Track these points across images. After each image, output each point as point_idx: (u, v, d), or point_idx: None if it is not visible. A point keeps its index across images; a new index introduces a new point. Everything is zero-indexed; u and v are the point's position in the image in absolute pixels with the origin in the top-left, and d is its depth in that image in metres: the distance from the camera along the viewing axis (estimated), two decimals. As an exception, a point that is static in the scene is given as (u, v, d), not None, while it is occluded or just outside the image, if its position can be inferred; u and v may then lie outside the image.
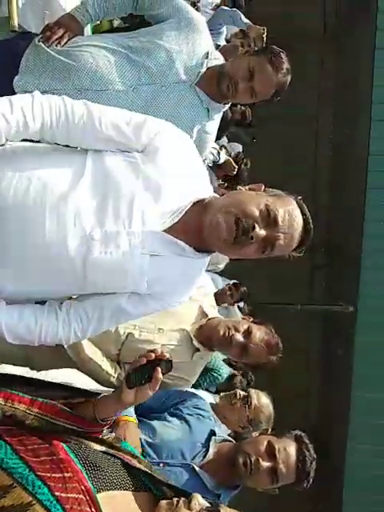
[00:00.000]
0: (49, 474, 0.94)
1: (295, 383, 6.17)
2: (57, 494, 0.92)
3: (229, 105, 1.93)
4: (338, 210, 6.63)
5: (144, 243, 1.11)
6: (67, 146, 1.16)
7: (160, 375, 1.09)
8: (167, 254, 1.14)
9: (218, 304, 3.87)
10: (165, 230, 1.13)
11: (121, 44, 1.70)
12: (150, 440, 1.61)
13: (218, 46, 2.88)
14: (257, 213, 1.11)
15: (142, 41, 1.71)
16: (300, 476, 1.58)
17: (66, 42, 1.69)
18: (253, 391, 2.06)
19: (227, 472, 1.63)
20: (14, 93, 1.67)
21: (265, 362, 1.74)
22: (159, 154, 1.12)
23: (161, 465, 1.57)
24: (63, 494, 0.93)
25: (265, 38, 2.77)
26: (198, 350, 1.74)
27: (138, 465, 1.08)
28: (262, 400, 2.04)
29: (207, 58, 1.75)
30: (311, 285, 6.88)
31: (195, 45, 1.72)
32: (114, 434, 1.19)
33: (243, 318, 1.82)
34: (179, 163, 1.14)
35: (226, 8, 3.73)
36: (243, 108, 4.69)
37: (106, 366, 1.58)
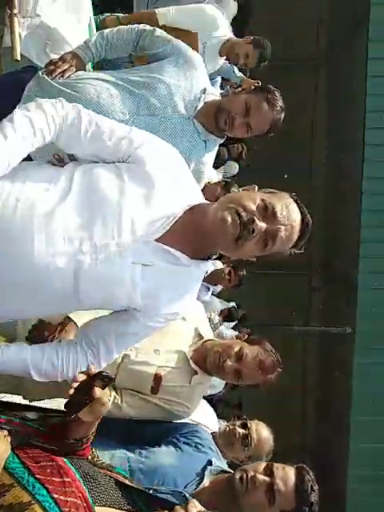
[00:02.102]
0: (48, 478, 0.97)
1: (292, 405, 6.11)
2: (55, 496, 0.94)
3: (224, 138, 2.00)
4: (334, 231, 6.69)
5: (135, 253, 1.10)
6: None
7: (97, 393, 1.07)
8: (160, 263, 1.13)
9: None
10: (157, 239, 1.12)
11: (122, 78, 1.79)
12: (141, 464, 1.55)
13: None
14: (254, 207, 1.12)
15: (142, 76, 1.80)
16: (300, 499, 1.50)
17: (69, 76, 1.77)
18: (253, 428, 1.97)
19: (221, 501, 1.53)
20: None
21: (263, 382, 1.72)
22: (146, 163, 1.13)
23: (150, 491, 1.51)
24: (62, 497, 0.95)
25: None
26: (195, 372, 1.73)
27: (131, 484, 1.08)
28: (263, 435, 1.97)
29: (204, 93, 1.85)
30: (309, 306, 6.89)
31: (193, 81, 1.82)
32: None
33: (237, 338, 1.80)
34: (166, 172, 1.15)
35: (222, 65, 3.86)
36: (240, 148, 4.85)
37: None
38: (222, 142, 1.98)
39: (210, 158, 1.95)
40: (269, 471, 1.51)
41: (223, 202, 1.15)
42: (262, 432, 1.98)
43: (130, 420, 1.66)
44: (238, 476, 1.53)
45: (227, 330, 4.23)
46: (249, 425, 1.98)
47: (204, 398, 2.30)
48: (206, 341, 1.79)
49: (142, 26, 1.87)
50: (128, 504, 1.05)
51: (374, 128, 5.53)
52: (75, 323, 1.48)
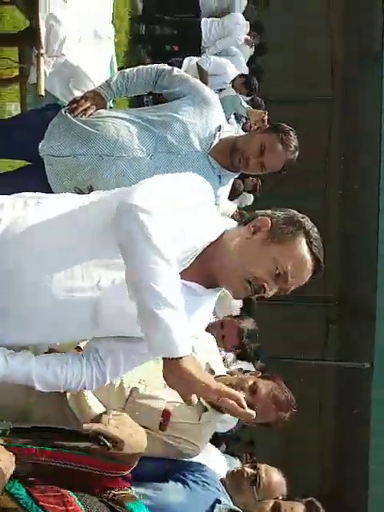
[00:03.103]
0: (52, 506, 0.97)
1: (309, 444, 5.89)
2: None
3: (239, 173, 2.04)
4: (350, 264, 6.61)
5: None
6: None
7: None
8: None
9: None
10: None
11: (141, 117, 1.87)
12: (149, 500, 1.50)
13: None
14: (266, 275, 1.14)
15: (160, 115, 1.88)
16: None
17: (91, 114, 1.85)
18: (263, 469, 1.87)
19: None
20: (39, 157, 1.81)
21: (275, 420, 1.65)
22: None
23: None
24: None
25: (266, 121, 2.87)
26: (205, 409, 1.68)
27: None
28: (274, 478, 1.86)
29: (220, 130, 1.90)
30: (325, 340, 6.73)
31: (209, 119, 1.88)
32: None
33: (251, 374, 1.75)
34: (198, 205, 1.17)
35: (227, 95, 3.92)
36: (255, 180, 4.93)
37: (109, 423, 1.53)
38: (236, 176, 2.03)
39: (224, 191, 2.00)
40: (276, 511, 1.44)
41: (236, 265, 1.15)
42: (272, 475, 1.88)
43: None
44: None
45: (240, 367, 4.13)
46: (258, 466, 1.90)
47: (216, 433, 2.23)
48: (217, 376, 1.73)
49: (161, 66, 1.95)
50: None
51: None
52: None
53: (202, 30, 5.08)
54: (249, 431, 4.63)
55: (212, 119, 1.88)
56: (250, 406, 1.61)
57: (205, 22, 5.11)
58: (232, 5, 5.26)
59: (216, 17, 5.28)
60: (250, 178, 4.88)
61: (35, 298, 1.10)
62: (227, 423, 3.04)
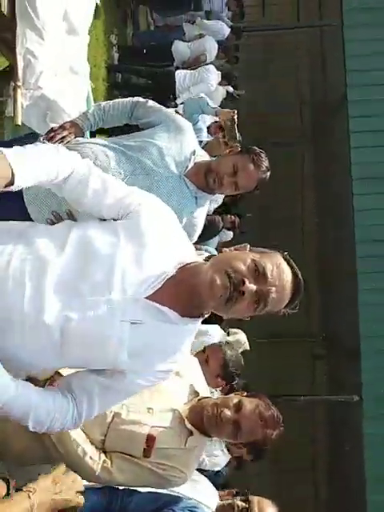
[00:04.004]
0: None
1: (301, 483, 5.67)
2: None
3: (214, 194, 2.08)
4: (331, 297, 6.66)
5: (124, 311, 1.09)
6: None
7: None
8: (149, 321, 1.11)
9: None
10: (148, 297, 1.11)
11: (117, 143, 1.94)
12: None
13: (201, 143, 3.14)
14: (244, 268, 1.12)
15: (136, 141, 1.96)
16: None
17: (68, 142, 1.91)
18: (255, 503, 1.81)
19: None
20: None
21: (263, 438, 1.61)
22: (141, 221, 1.15)
23: None
24: None
25: (235, 120, 2.99)
26: (191, 433, 1.63)
27: None
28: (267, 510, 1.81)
29: (194, 154, 1.98)
30: (313, 375, 6.66)
31: (183, 144, 1.96)
32: None
33: (235, 393, 1.72)
34: (160, 230, 1.17)
35: (192, 97, 4.06)
36: (233, 217, 5.05)
37: (90, 450, 1.46)
38: (212, 197, 2.09)
39: (201, 212, 2.05)
40: None
41: (213, 263, 1.15)
42: (265, 509, 1.82)
43: (124, 490, 1.54)
44: None
45: None
46: (250, 498, 1.83)
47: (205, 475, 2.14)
48: (201, 398, 1.70)
49: (135, 98, 2.05)
50: None
51: (361, 194, 5.74)
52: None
53: (176, 79, 5.33)
54: (241, 477, 4.45)
55: (186, 144, 1.96)
56: (236, 424, 1.59)
57: (178, 73, 5.37)
58: (206, 53, 5.55)
59: (188, 67, 5.56)
60: (229, 216, 4.98)
61: (6, 318, 1.06)
62: (217, 461, 2.93)
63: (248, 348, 3.89)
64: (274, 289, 1.12)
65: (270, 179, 2.00)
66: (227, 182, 1.91)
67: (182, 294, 1.13)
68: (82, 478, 1.51)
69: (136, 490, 1.54)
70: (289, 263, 1.17)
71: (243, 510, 1.80)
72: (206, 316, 1.22)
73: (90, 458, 1.46)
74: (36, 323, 1.07)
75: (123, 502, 1.61)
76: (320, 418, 6.55)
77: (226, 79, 5.70)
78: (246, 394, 1.70)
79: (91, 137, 2.19)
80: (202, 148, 3.30)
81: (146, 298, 1.11)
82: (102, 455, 1.49)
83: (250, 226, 6.23)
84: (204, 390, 1.76)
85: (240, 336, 3.86)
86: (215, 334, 3.48)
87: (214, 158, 2.08)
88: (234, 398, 1.63)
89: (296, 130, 7.79)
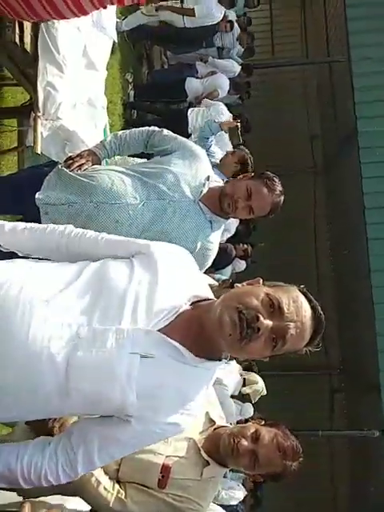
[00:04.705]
0: None
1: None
2: None
3: (228, 219, 2.09)
4: (348, 328, 6.53)
5: (134, 342, 1.02)
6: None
7: None
8: (162, 356, 1.04)
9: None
10: (160, 331, 1.05)
11: (134, 170, 1.99)
12: None
13: (215, 165, 3.25)
14: (257, 302, 1.04)
15: (152, 167, 2.00)
16: None
17: (86, 169, 1.96)
18: None
19: None
20: (36, 207, 1.88)
21: (281, 469, 1.55)
22: (154, 254, 1.13)
23: None
24: None
25: (240, 132, 3.19)
26: (207, 463, 1.58)
27: None
28: None
29: (208, 180, 2.01)
30: (331, 408, 6.45)
31: (198, 171, 2.00)
32: None
33: (253, 421, 1.67)
34: (174, 265, 1.14)
35: (201, 126, 4.21)
36: (245, 246, 5.08)
37: (104, 480, 1.43)
38: (227, 222, 2.09)
39: (216, 237, 2.05)
40: None
41: (223, 299, 1.08)
42: None
43: None
44: None
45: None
46: None
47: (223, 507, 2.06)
48: (218, 427, 1.66)
49: (151, 128, 2.10)
50: None
51: (375, 223, 5.73)
52: None
53: (189, 117, 5.49)
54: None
55: (201, 170, 1.99)
56: (253, 454, 1.54)
57: (191, 112, 5.53)
58: (219, 89, 5.72)
59: (200, 102, 5.73)
60: (241, 245, 5.00)
61: (6, 357, 1.00)
62: (234, 495, 2.83)
63: (265, 393, 3.81)
64: (292, 324, 1.04)
65: (283, 209, 2.01)
66: (242, 205, 1.92)
67: (193, 332, 1.07)
68: (95, 510, 1.47)
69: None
70: (306, 297, 1.09)
71: None
72: (226, 361, 1.14)
73: (104, 488, 1.42)
74: (40, 354, 1.00)
75: None
76: (340, 453, 6.30)
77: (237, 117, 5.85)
78: (263, 422, 1.65)
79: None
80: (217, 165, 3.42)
81: (159, 331, 1.05)
82: (116, 485, 1.45)
83: (263, 255, 6.22)
84: (220, 419, 1.72)
85: (257, 386, 3.77)
86: (231, 384, 3.39)
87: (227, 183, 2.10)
88: (251, 428, 1.58)
89: (307, 163, 7.87)
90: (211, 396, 1.79)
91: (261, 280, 1.14)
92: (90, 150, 2.04)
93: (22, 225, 1.26)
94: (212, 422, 1.66)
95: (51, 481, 1.08)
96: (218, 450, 1.58)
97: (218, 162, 3.46)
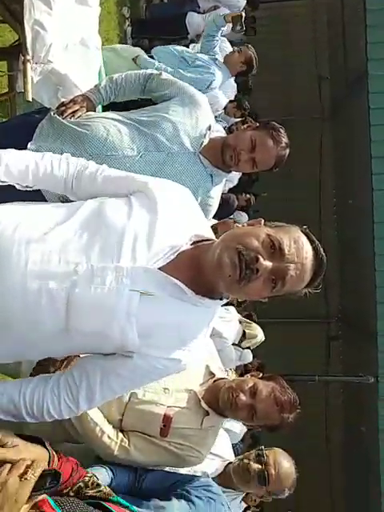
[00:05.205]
0: None
1: (317, 463, 5.72)
2: None
3: (230, 172, 2.01)
4: (349, 278, 6.59)
5: (134, 279, 1.01)
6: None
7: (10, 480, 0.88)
8: (161, 294, 1.02)
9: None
10: (160, 269, 1.03)
11: (130, 118, 1.87)
12: None
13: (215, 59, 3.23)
14: (257, 243, 1.02)
15: (149, 116, 1.88)
16: None
17: (80, 116, 1.85)
18: (271, 461, 1.79)
19: None
20: None
21: (278, 422, 1.60)
22: (154, 194, 1.09)
23: None
24: None
25: (244, 22, 3.28)
26: (207, 413, 1.63)
27: None
28: (283, 468, 1.80)
29: (209, 129, 1.90)
30: (328, 355, 6.65)
31: (198, 120, 1.88)
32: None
33: (251, 375, 1.71)
34: (174, 202, 1.11)
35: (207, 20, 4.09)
36: (248, 196, 4.98)
37: (108, 429, 1.48)
38: (228, 176, 2.00)
39: (217, 191, 1.97)
40: None
41: (223, 240, 1.06)
42: (282, 464, 1.81)
43: (137, 469, 1.56)
44: None
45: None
46: (265, 458, 1.80)
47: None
48: (217, 379, 1.70)
49: (149, 71, 1.97)
50: None
51: (381, 173, 5.60)
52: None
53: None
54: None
55: (202, 119, 1.88)
56: (251, 408, 1.59)
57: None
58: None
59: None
60: (243, 195, 4.92)
61: (6, 295, 1.00)
62: (233, 435, 2.96)
63: (263, 339, 3.88)
64: (292, 266, 1.02)
65: (288, 157, 1.93)
66: (245, 158, 1.83)
67: (193, 271, 1.05)
68: (100, 456, 1.54)
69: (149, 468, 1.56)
70: (309, 238, 1.06)
71: (260, 473, 1.79)
72: (226, 300, 1.13)
73: (108, 437, 1.47)
74: (39, 291, 0.99)
75: (139, 477, 1.63)
76: (335, 399, 6.56)
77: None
78: (261, 376, 1.69)
79: (103, 111, 2.14)
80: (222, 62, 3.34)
81: (159, 269, 1.03)
82: (120, 434, 1.51)
83: (265, 205, 6.15)
84: (219, 371, 1.76)
85: (256, 340, 3.81)
86: (231, 335, 3.44)
87: (229, 135, 2.00)
88: (249, 382, 1.61)
89: (314, 107, 7.59)
90: (211, 348, 1.83)
91: (262, 221, 1.11)
92: (84, 95, 1.91)
93: (27, 161, 1.19)
94: (212, 374, 1.70)
95: (54, 415, 1.10)
96: (217, 401, 1.63)
97: (222, 59, 3.40)
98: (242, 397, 1.57)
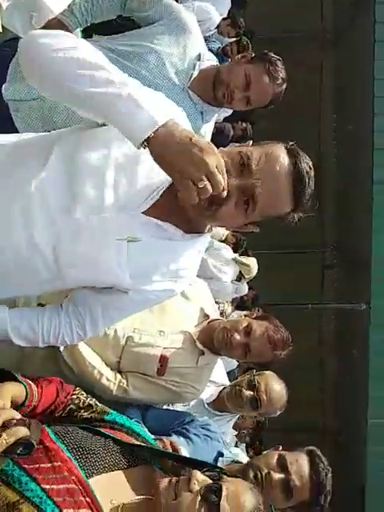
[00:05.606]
0: (36, 466, 0.89)
1: (309, 385, 6.07)
2: (46, 487, 0.87)
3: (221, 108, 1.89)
4: (346, 206, 6.55)
5: (120, 228, 1.00)
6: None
7: None
8: (149, 238, 1.01)
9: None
10: (145, 212, 1.01)
11: (111, 49, 1.69)
12: None
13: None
14: (227, 161, 0.95)
15: (132, 45, 1.70)
16: (315, 489, 1.47)
17: None
18: (262, 387, 1.86)
19: None
20: (3, 101, 1.66)
21: (271, 359, 1.67)
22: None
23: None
24: (54, 486, 0.87)
25: None
26: (202, 353, 1.69)
27: (133, 441, 1.02)
28: (274, 391, 1.87)
29: (199, 59, 1.74)
30: (322, 284, 6.79)
31: (187, 48, 1.71)
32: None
33: (245, 316, 1.75)
34: None
35: None
36: (244, 125, 4.75)
37: (106, 371, 1.53)
38: (220, 111, 1.89)
39: (208, 128, 1.87)
40: (282, 466, 1.48)
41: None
42: (273, 388, 1.89)
43: (137, 407, 1.63)
44: (252, 475, 1.49)
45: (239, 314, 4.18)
46: (257, 383, 1.89)
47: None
48: (212, 320, 1.74)
49: None
50: (128, 461, 0.99)
51: (383, 96, 5.36)
52: None
53: None
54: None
55: (190, 47, 1.71)
56: (245, 347, 1.64)
57: None
58: None
59: None
60: (240, 123, 4.72)
61: None
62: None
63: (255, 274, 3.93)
64: (259, 182, 0.94)
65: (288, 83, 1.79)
66: (238, 96, 1.72)
67: (178, 207, 1.00)
68: (99, 396, 1.61)
69: (151, 406, 1.63)
70: (290, 153, 0.98)
71: (252, 399, 1.86)
72: (212, 231, 1.11)
73: (107, 379, 1.52)
74: (28, 244, 0.99)
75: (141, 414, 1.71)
76: (328, 325, 6.80)
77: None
78: (255, 315, 1.73)
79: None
80: None
81: (144, 213, 1.01)
82: (118, 375, 1.56)
83: (263, 134, 5.95)
84: (213, 313, 1.79)
85: (251, 275, 3.84)
86: (228, 277, 3.49)
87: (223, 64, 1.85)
88: (244, 322, 1.66)
89: (315, 26, 7.09)
90: (205, 291, 1.85)
91: (251, 142, 1.05)
92: (57, 19, 1.73)
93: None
94: (206, 316, 1.73)
95: (66, 341, 1.19)
96: (212, 341, 1.67)
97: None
98: (237, 336, 1.62)
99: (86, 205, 0.98)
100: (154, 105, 0.92)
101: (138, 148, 0.91)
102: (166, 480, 0.94)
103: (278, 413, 1.93)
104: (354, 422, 5.77)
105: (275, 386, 1.90)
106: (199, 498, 0.89)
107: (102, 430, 1.02)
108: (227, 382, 2.07)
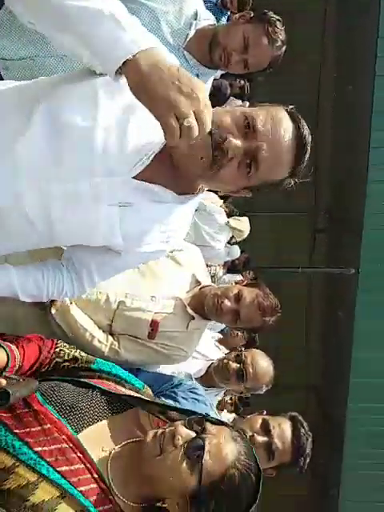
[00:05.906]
0: (27, 430, 0.91)
1: (296, 345, 6.25)
2: (38, 449, 0.90)
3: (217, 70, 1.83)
4: (340, 171, 6.51)
5: (111, 194, 0.98)
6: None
7: None
8: (140, 202, 1.00)
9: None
10: (136, 176, 0.98)
11: None
12: None
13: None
14: (230, 121, 0.94)
15: (124, 1, 1.61)
16: (296, 453, 1.58)
17: None
18: (249, 360, 1.94)
19: None
20: None
21: (260, 325, 1.71)
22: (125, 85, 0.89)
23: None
24: (46, 448, 0.91)
25: None
26: (193, 318, 1.72)
27: (121, 390, 1.05)
28: (260, 366, 1.96)
29: (196, 18, 1.67)
30: (312, 248, 6.85)
31: (183, 6, 1.65)
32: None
33: (236, 283, 1.78)
34: None
35: None
36: (242, 82, 4.59)
37: (98, 334, 1.57)
38: (215, 73, 1.83)
39: None
40: (265, 429, 1.57)
41: None
42: (259, 363, 1.96)
43: (129, 370, 1.67)
44: None
45: (230, 277, 4.22)
46: (243, 357, 1.96)
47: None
48: (203, 286, 1.76)
49: None
50: (116, 408, 1.03)
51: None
52: None
53: None
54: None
55: (186, 5, 1.64)
56: (235, 313, 1.68)
57: None
58: None
59: None
60: (237, 81, 4.59)
61: None
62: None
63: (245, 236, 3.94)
64: (265, 145, 0.92)
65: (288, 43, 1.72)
66: (236, 59, 1.66)
67: (170, 168, 0.99)
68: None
69: (141, 369, 1.68)
70: (292, 116, 0.97)
71: (239, 372, 1.94)
72: (204, 191, 1.10)
73: (99, 341, 1.56)
74: (19, 215, 0.98)
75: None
76: (317, 289, 6.92)
77: None
78: (245, 283, 1.76)
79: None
80: None
81: (135, 177, 0.98)
82: (110, 338, 1.60)
83: (261, 92, 5.79)
84: (205, 279, 1.82)
85: (245, 233, 3.84)
86: (222, 238, 3.49)
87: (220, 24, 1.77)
88: (234, 289, 1.69)
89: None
90: (198, 257, 1.87)
91: (247, 104, 1.08)
92: None
93: None
94: (198, 282, 1.76)
95: (69, 295, 1.23)
96: (202, 307, 1.71)
97: None
98: (227, 302, 1.66)
99: (75, 171, 0.95)
100: (138, 30, 0.85)
101: (114, 76, 0.84)
102: (152, 433, 0.96)
103: (264, 389, 1.99)
104: (338, 381, 6.00)
105: (261, 362, 1.98)
106: (182, 452, 0.92)
107: (89, 381, 1.06)
108: (216, 357, 2.13)
